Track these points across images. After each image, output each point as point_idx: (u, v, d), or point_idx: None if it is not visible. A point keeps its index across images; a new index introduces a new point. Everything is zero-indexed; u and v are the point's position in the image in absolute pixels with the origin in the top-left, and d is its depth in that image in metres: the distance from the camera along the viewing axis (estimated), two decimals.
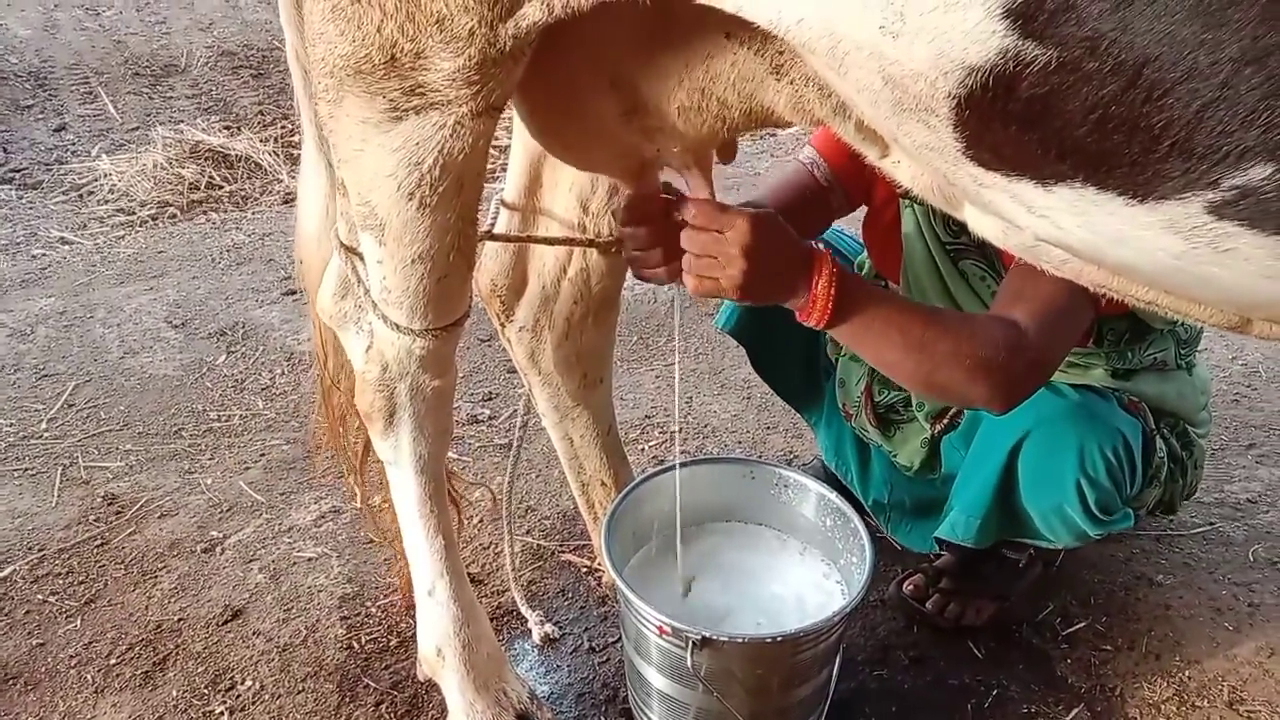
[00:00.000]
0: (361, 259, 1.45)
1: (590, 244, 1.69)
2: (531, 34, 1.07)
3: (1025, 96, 0.77)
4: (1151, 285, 0.98)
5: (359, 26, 1.11)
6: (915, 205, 1.80)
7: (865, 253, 2.06)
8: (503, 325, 1.84)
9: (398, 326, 1.44)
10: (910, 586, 2.01)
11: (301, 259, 1.75)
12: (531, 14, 1.04)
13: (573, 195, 1.68)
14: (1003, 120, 0.80)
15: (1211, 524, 2.28)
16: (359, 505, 2.28)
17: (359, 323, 1.56)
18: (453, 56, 1.09)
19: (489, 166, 3.48)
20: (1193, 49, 0.68)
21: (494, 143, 3.34)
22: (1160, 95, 0.71)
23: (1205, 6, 0.66)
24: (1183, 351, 1.86)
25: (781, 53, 1.10)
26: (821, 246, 1.38)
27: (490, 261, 1.79)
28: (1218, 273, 0.83)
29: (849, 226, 2.27)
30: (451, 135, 1.18)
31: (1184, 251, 0.81)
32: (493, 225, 1.71)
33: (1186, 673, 1.91)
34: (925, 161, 0.98)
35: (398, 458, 1.62)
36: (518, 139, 1.68)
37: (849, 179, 1.85)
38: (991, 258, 1.76)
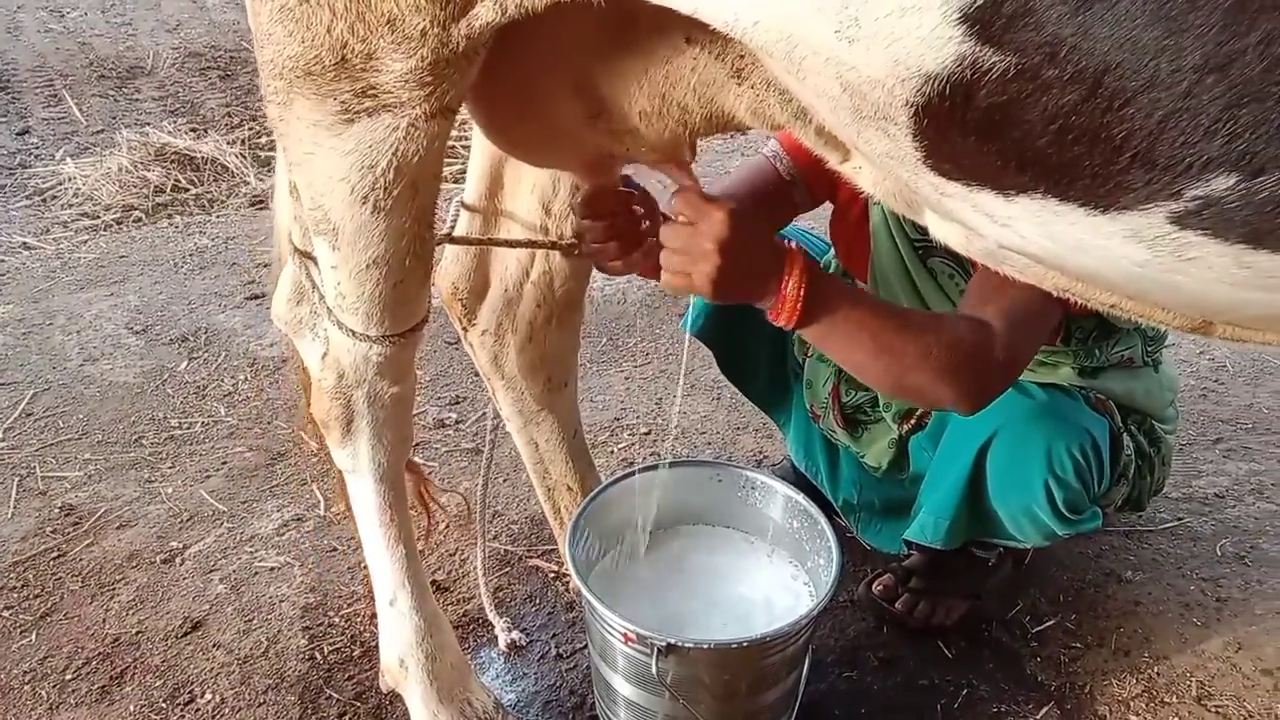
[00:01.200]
0: (316, 264, 1.42)
1: (553, 246, 1.67)
2: (485, 34, 1.05)
3: (984, 105, 0.75)
4: (1114, 291, 0.97)
5: (308, 27, 1.08)
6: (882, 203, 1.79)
7: (831, 252, 2.05)
8: (465, 329, 1.81)
9: (353, 333, 1.41)
10: (880, 586, 2.01)
11: (278, 258, 1.71)
12: (484, 14, 1.02)
13: (534, 197, 1.65)
14: (962, 130, 0.78)
15: (1179, 519, 2.29)
16: (329, 511, 2.25)
17: (314, 329, 1.53)
18: (405, 57, 1.06)
19: (452, 168, 3.45)
20: (1154, 56, 0.66)
21: (460, 143, 3.32)
22: (1121, 105, 0.69)
23: (1166, 11, 0.65)
24: (1150, 349, 1.87)
25: (742, 57, 1.08)
26: (792, 243, 1.36)
27: (451, 265, 1.77)
28: (1181, 280, 0.82)
29: (814, 225, 2.26)
30: (405, 138, 1.15)
31: (1147, 260, 0.80)
32: (453, 227, 1.68)
33: (1155, 669, 1.91)
34: (886, 169, 0.96)
35: (356, 466, 1.59)
36: (478, 140, 1.66)
37: (813, 174, 1.84)
38: (960, 256, 1.75)
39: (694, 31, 1.10)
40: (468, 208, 1.69)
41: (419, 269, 1.35)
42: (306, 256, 1.44)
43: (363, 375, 1.47)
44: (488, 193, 1.68)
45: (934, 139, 0.82)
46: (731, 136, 4.84)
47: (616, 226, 1.46)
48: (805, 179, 1.84)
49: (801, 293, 1.33)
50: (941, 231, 1.08)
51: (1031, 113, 0.74)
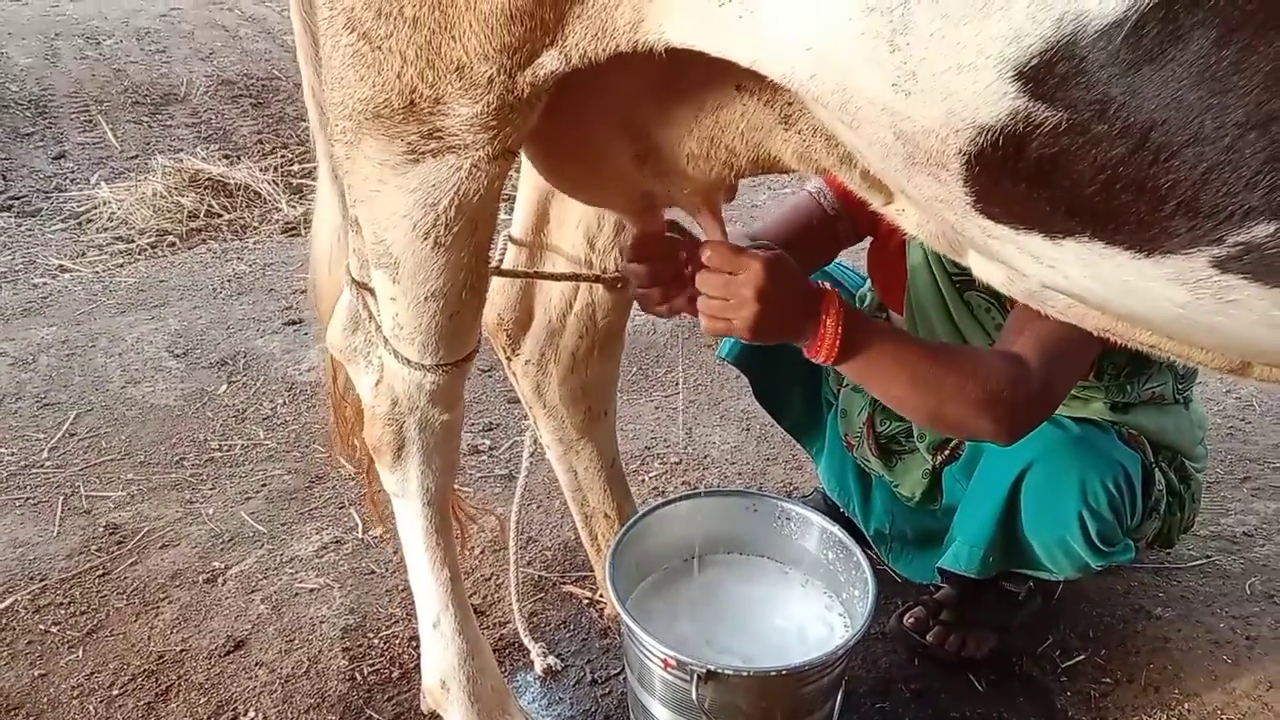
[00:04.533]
0: (373, 295, 1.47)
1: (596, 280, 1.71)
2: (548, 82, 1.09)
3: (1035, 156, 0.79)
4: (1156, 332, 1.01)
5: (379, 72, 1.13)
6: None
7: (868, 284, 2.09)
8: (508, 359, 1.86)
9: (409, 362, 1.45)
10: (911, 619, 2.03)
11: (315, 284, 1.77)
12: (549, 63, 1.07)
13: (579, 232, 1.70)
14: (1013, 177, 0.82)
15: (1208, 557, 2.30)
16: (363, 535, 2.30)
17: (368, 357, 1.58)
18: (471, 103, 1.11)
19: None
20: (1199, 114, 0.70)
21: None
22: (1167, 158, 0.73)
23: (1211, 73, 0.68)
24: (1180, 386, 1.89)
25: (790, 104, 1.13)
26: (828, 285, 1.41)
27: (497, 296, 1.81)
28: (1221, 321, 0.85)
29: (849, 259, 2.30)
30: (468, 178, 1.20)
31: (1189, 302, 0.84)
32: (501, 261, 1.73)
33: (1186, 705, 1.92)
34: (934, 212, 1.00)
35: (405, 490, 1.63)
36: (526, 176, 1.71)
37: (856, 208, 1.88)
38: (996, 289, 1.78)
39: (745, 80, 1.15)
40: (515, 242, 1.75)
41: (474, 301, 1.40)
42: (363, 288, 1.49)
43: (415, 402, 1.52)
44: (534, 227, 1.73)
45: (985, 185, 0.87)
46: None
47: (662, 270, 1.50)
48: (849, 213, 1.88)
49: (839, 330, 1.38)
50: (985, 272, 1.12)
51: (1081, 163, 0.78)
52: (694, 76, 1.18)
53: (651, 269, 1.50)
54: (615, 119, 1.29)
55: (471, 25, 1.05)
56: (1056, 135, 0.77)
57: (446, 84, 1.11)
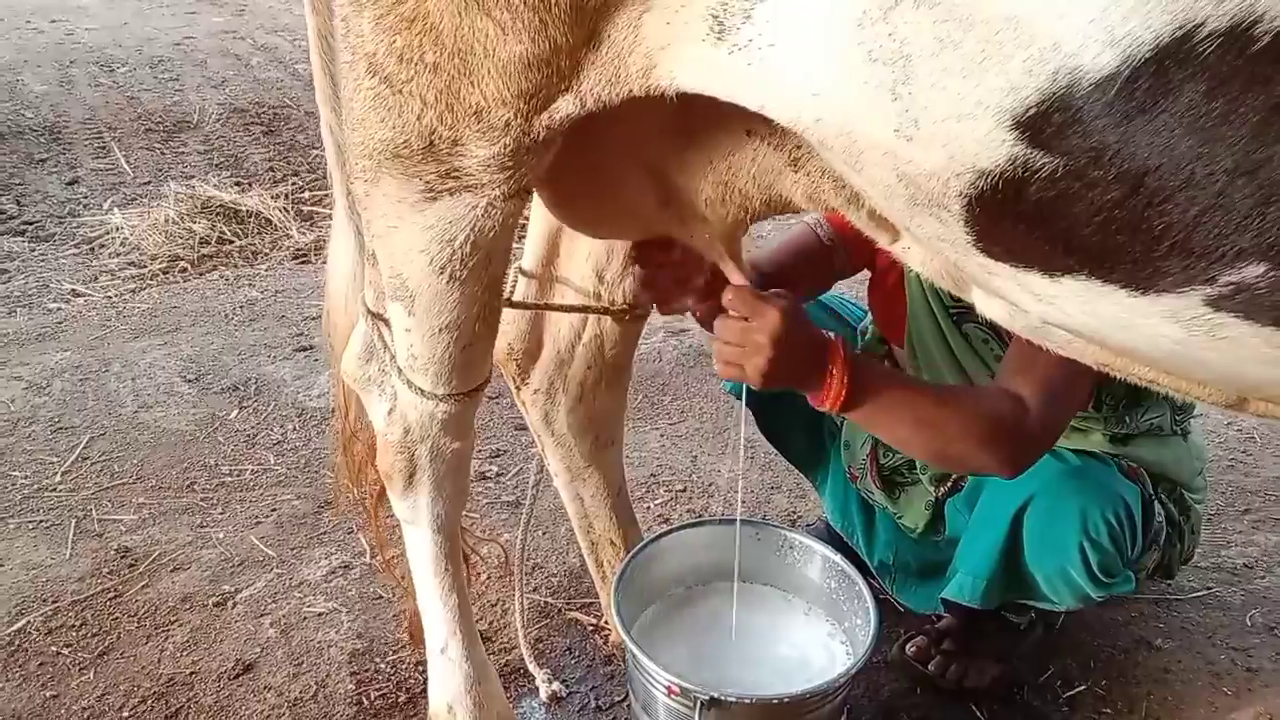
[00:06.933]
0: (388, 326, 1.51)
1: (605, 311, 1.75)
2: (564, 125, 1.13)
3: (1033, 199, 0.82)
4: (1152, 366, 1.04)
5: (400, 115, 1.17)
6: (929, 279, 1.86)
7: (869, 318, 2.12)
8: (518, 388, 1.89)
9: (422, 391, 1.49)
10: (913, 648, 2.04)
11: (330, 316, 1.81)
12: (565, 107, 1.10)
13: (589, 265, 1.74)
14: (1012, 219, 0.86)
15: (1209, 589, 2.31)
16: (371, 560, 2.32)
17: (382, 386, 1.61)
18: (488, 145, 1.15)
19: None
20: (1190, 161, 0.74)
21: None
22: (1161, 201, 0.76)
23: (1201, 124, 0.72)
24: (1178, 418, 1.91)
25: (799, 147, 1.17)
26: (833, 335, 1.45)
27: (507, 327, 1.85)
28: (1214, 357, 0.88)
29: (851, 292, 2.34)
30: (483, 215, 1.24)
31: (1183, 338, 0.87)
32: (511, 293, 1.77)
33: None
34: (936, 250, 1.04)
35: (415, 517, 1.66)
36: (537, 211, 1.75)
37: (853, 242, 1.92)
38: (994, 322, 1.82)
39: (754, 124, 1.19)
40: (525, 274, 1.78)
41: (487, 333, 1.43)
42: (378, 319, 1.53)
43: (427, 431, 1.55)
44: (544, 260, 1.77)
45: (985, 226, 0.90)
46: None
47: (665, 273, 1.58)
48: (846, 246, 1.92)
49: (846, 380, 1.43)
50: (986, 307, 1.15)
51: (1078, 206, 0.81)
52: (706, 121, 1.22)
53: (654, 270, 1.58)
54: (632, 163, 1.33)
55: (490, 71, 1.08)
56: (1054, 180, 0.80)
57: (465, 127, 1.15)
